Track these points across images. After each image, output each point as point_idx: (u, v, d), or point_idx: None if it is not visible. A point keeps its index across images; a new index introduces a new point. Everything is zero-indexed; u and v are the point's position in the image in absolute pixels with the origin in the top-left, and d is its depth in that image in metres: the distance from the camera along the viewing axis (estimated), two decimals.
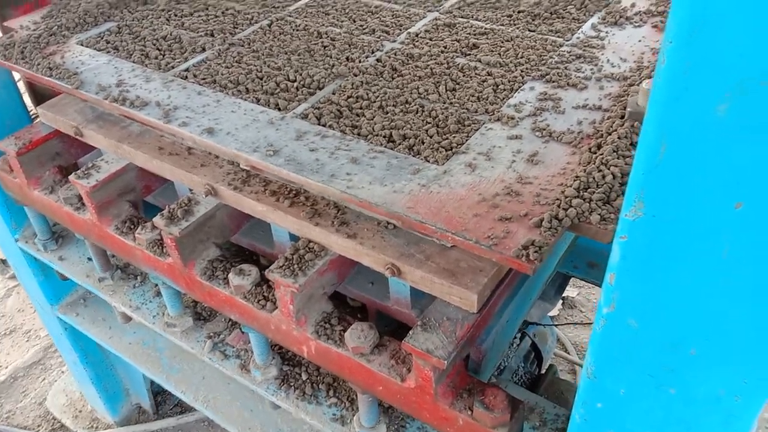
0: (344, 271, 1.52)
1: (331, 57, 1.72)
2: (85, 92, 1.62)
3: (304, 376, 1.73)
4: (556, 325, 3.18)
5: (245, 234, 1.73)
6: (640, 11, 1.82)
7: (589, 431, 1.01)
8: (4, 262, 3.90)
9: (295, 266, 1.38)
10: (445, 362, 1.19)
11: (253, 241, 1.72)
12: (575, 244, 1.99)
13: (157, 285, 1.91)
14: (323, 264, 1.40)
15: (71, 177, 1.72)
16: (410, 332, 1.25)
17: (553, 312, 3.46)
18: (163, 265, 1.66)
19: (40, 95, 2.22)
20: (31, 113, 2.24)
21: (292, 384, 1.72)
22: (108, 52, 1.81)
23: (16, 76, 2.15)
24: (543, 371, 2.64)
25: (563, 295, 3.21)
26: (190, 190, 1.65)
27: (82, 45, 1.86)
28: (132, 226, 1.74)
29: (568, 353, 3.30)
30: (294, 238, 1.57)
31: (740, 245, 0.69)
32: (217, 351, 1.82)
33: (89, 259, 2.10)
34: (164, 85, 1.62)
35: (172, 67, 1.72)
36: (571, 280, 2.84)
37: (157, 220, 1.56)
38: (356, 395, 1.65)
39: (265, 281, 1.52)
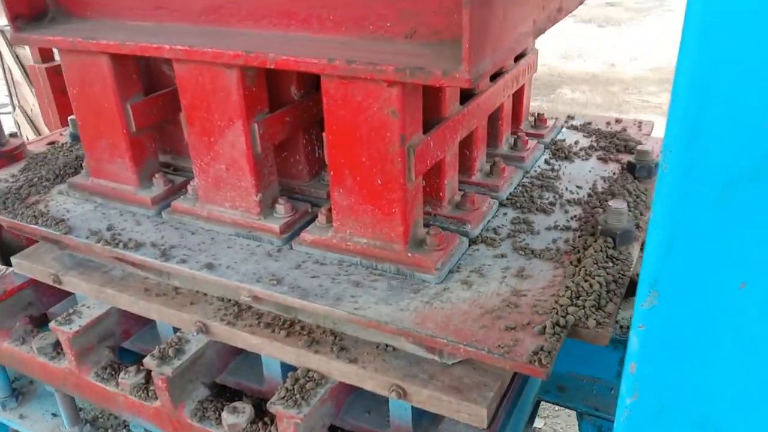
0: (341, 401, 1.51)
1: None
2: (74, 237, 1.64)
3: None
4: None
5: (230, 373, 1.71)
6: (584, 147, 2.06)
7: None
8: None
9: (297, 396, 1.38)
10: None
11: (239, 379, 1.69)
12: None
13: None
14: (325, 392, 1.40)
15: (51, 324, 1.68)
16: None
17: None
18: (149, 409, 1.60)
19: (8, 248, 2.20)
20: None
21: None
22: (93, 201, 1.86)
23: None
24: None
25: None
26: (175, 330, 1.64)
27: (63, 194, 1.90)
28: (113, 372, 1.69)
29: None
30: (285, 372, 1.57)
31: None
32: None
33: (54, 414, 1.98)
34: (156, 228, 1.67)
35: (162, 210, 1.77)
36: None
37: (148, 360, 1.53)
38: None
39: (260, 418, 1.49)
